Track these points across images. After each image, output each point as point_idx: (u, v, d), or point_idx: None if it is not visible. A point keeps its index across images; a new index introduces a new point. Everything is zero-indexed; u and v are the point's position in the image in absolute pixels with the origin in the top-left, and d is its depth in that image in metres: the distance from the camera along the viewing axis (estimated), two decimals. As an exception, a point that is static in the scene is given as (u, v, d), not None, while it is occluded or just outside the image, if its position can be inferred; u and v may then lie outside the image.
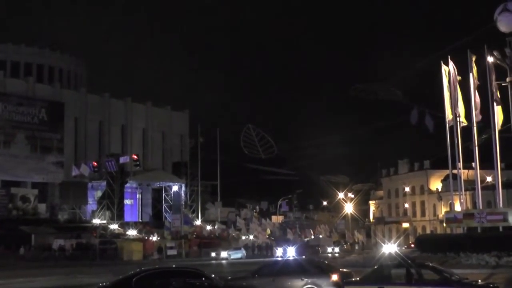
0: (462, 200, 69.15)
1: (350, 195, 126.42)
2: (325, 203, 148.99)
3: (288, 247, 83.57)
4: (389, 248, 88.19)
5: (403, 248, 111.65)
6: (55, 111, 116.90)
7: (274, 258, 77.63)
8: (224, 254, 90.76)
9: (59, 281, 48.92)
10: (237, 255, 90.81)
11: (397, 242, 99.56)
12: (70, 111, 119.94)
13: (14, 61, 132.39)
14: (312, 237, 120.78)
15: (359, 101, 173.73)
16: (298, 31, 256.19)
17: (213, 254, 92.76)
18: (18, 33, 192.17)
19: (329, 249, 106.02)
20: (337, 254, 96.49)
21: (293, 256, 79.36)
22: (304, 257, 44.29)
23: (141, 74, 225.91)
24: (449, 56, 66.55)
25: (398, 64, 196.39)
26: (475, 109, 65.00)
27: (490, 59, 62.40)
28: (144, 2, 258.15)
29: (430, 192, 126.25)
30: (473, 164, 66.60)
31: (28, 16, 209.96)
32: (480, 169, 64.43)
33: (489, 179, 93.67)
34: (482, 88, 64.64)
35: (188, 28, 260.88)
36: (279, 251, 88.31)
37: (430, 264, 25.57)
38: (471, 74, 64.67)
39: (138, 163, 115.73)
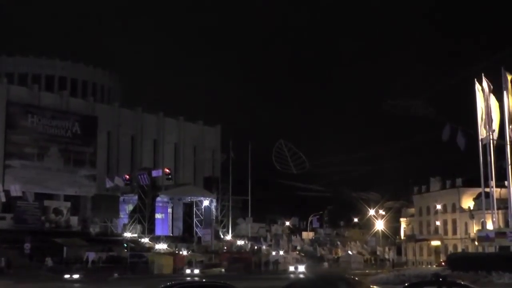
0: (494, 219, 68.62)
1: (381, 212, 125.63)
2: (356, 219, 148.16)
3: None
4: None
5: (434, 266, 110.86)
6: (88, 125, 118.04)
7: None
8: None
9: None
10: None
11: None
12: (103, 125, 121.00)
13: (48, 75, 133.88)
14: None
15: (391, 117, 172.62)
16: (327, 48, 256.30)
17: None
18: (52, 47, 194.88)
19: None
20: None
21: None
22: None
23: (174, 88, 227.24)
24: (483, 74, 66.23)
25: (430, 80, 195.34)
26: (509, 127, 64.53)
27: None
28: (176, 19, 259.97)
29: (462, 210, 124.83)
30: (506, 182, 66.05)
31: (61, 31, 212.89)
32: (513, 187, 63.87)
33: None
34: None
35: (221, 45, 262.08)
36: None
37: (462, 283, 25.29)
38: (505, 92, 64.27)
39: (170, 177, 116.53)
